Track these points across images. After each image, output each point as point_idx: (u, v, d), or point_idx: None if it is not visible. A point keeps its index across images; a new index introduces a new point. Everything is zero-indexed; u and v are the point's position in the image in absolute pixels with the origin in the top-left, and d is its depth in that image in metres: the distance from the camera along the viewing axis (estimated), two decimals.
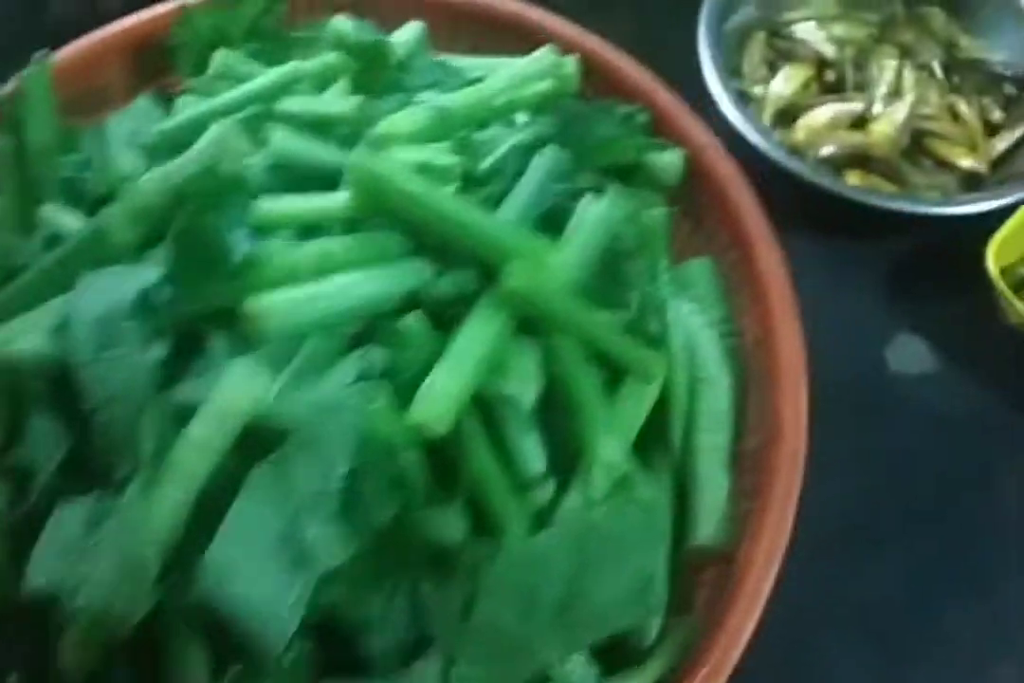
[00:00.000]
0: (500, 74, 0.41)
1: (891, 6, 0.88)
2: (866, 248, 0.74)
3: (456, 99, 0.38)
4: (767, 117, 0.81)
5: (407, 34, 0.47)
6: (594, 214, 0.34)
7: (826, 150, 0.78)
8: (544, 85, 0.41)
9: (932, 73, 0.83)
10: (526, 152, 0.35)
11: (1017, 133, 0.80)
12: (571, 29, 0.49)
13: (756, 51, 0.86)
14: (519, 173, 0.35)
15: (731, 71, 0.82)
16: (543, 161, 0.35)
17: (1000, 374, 0.67)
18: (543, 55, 0.43)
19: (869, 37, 0.85)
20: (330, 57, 0.41)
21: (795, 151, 0.79)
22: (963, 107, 0.82)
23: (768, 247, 0.41)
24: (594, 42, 0.49)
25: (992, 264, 0.67)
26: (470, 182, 0.34)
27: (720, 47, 0.79)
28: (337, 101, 0.39)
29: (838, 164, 0.79)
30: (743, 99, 0.82)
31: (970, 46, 0.86)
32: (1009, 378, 0.67)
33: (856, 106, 0.81)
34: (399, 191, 0.32)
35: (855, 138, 0.79)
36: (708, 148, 0.45)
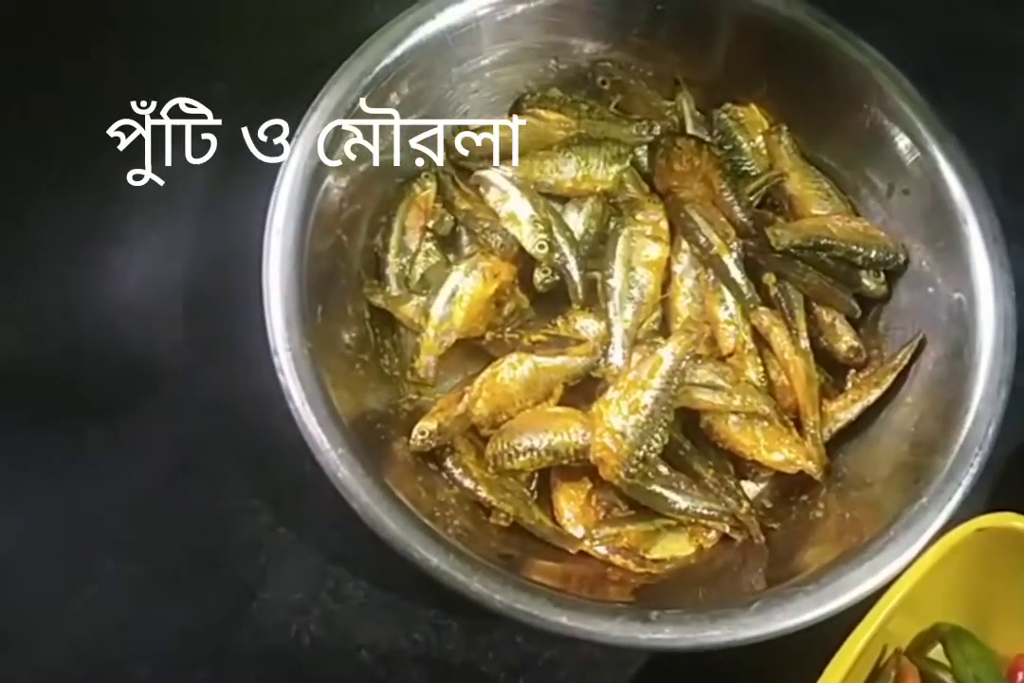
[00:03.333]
0: None
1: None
2: None
3: None
4: (423, 365, 0.44)
5: None
6: None
7: (520, 458, 0.41)
8: None
9: (727, 270, 0.45)
10: None
11: (871, 395, 0.44)
12: None
13: (416, 215, 0.46)
14: None
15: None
16: None
17: None
18: None
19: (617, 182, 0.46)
20: None
21: (475, 430, 0.43)
22: (779, 337, 0.44)
23: None
24: None
25: None
26: None
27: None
28: None
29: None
30: (385, 321, 0.45)
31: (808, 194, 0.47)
32: None
33: (573, 361, 0.43)
34: None
35: (562, 436, 0.41)
36: None
